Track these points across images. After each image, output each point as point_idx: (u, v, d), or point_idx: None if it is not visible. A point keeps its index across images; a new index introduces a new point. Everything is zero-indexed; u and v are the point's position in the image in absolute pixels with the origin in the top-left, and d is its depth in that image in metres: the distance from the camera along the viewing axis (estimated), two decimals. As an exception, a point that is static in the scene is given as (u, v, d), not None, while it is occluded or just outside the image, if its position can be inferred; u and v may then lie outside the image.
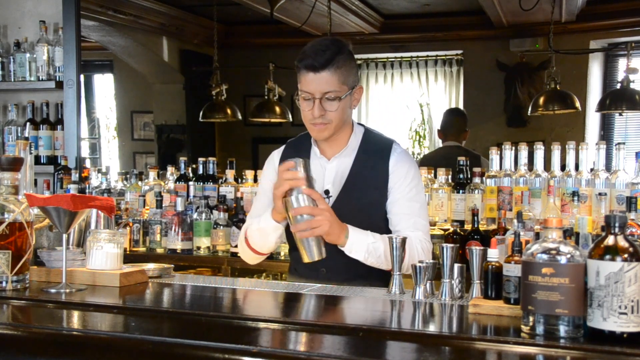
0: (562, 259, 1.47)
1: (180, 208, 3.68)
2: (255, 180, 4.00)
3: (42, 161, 4.16)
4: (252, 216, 2.49)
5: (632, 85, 5.35)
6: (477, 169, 3.51)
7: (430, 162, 4.26)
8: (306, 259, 2.21)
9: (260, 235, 2.38)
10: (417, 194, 2.41)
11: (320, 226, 2.16)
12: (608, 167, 3.38)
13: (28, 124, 4.16)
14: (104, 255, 2.11)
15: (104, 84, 8.65)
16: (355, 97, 2.37)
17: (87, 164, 4.80)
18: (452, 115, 5.50)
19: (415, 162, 2.53)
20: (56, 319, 1.81)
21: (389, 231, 2.37)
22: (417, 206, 2.39)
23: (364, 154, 2.41)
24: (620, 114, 6.30)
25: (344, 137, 2.42)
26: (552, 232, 1.51)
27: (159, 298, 2.03)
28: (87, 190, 3.88)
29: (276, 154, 2.54)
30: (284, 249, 3.45)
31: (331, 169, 2.42)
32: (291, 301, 2.01)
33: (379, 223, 2.36)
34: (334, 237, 2.21)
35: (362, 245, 2.24)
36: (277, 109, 6.38)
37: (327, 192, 2.38)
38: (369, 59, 8.21)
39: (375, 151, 2.42)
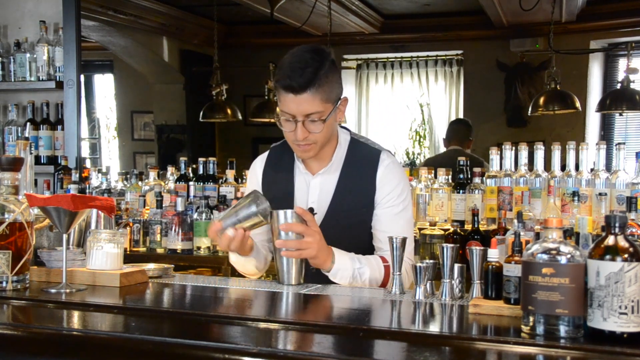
0: (562, 259, 1.47)
1: (180, 208, 3.68)
2: (256, 180, 4.00)
3: (42, 161, 4.16)
4: None
5: (632, 85, 5.35)
6: (477, 169, 3.51)
7: (433, 165, 4.26)
8: (282, 281, 2.13)
9: (240, 265, 2.34)
10: (404, 210, 2.29)
11: (309, 249, 2.06)
12: (608, 167, 3.39)
13: (28, 124, 4.16)
14: (104, 255, 2.11)
15: (104, 84, 8.65)
16: (340, 110, 2.23)
17: (87, 164, 4.80)
18: (456, 124, 5.72)
19: (404, 172, 2.40)
20: (56, 319, 1.81)
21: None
22: (401, 223, 2.28)
23: (350, 168, 2.29)
24: (621, 114, 6.30)
25: (329, 151, 2.30)
26: (552, 232, 1.51)
27: (159, 298, 2.03)
28: (87, 191, 3.88)
29: (259, 162, 2.43)
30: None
31: (315, 185, 2.32)
32: (291, 301, 2.01)
33: (365, 238, 2.28)
34: (320, 261, 2.11)
35: (347, 272, 2.14)
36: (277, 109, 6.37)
37: (311, 209, 2.23)
38: (369, 59, 8.21)
39: (362, 164, 2.30)
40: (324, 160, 2.31)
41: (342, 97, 2.23)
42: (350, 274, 2.16)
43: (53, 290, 1.96)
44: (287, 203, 2.31)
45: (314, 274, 2.21)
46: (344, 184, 2.29)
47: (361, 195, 2.28)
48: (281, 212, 2.08)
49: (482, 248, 1.84)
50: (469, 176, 3.55)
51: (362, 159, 2.31)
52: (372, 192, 2.27)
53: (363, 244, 2.29)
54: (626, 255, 1.42)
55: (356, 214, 2.28)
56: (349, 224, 2.28)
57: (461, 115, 7.55)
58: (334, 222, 2.26)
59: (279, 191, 2.34)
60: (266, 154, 2.45)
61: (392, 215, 2.28)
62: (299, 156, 2.31)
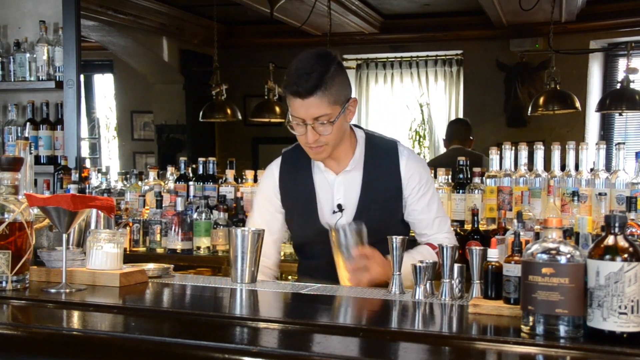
0: (562, 259, 1.47)
1: (180, 208, 3.68)
2: (255, 180, 4.00)
3: (42, 161, 4.16)
4: None
5: (632, 85, 5.34)
6: (477, 169, 3.50)
7: (436, 166, 4.25)
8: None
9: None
10: (433, 195, 2.42)
11: (371, 279, 2.16)
12: (608, 167, 3.39)
13: (28, 124, 4.16)
14: (104, 255, 2.11)
15: (104, 84, 8.64)
16: (350, 110, 2.28)
17: (87, 164, 4.80)
18: (456, 124, 5.73)
19: (420, 157, 2.54)
20: (56, 319, 1.81)
21: (406, 230, 2.43)
22: (434, 207, 2.41)
23: (372, 163, 2.37)
24: (620, 114, 6.30)
25: (347, 150, 2.36)
26: (552, 232, 1.51)
27: (159, 298, 2.03)
28: (87, 190, 3.88)
29: (274, 167, 2.46)
30: (286, 249, 3.45)
31: (339, 183, 2.37)
32: (291, 301, 2.01)
33: (397, 229, 2.31)
34: (387, 277, 2.13)
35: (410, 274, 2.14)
36: (277, 109, 6.38)
37: (339, 206, 2.34)
38: (369, 59, 8.21)
39: (382, 157, 2.37)
40: (343, 159, 2.37)
41: (350, 98, 2.28)
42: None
43: (53, 290, 1.96)
44: (310, 203, 2.38)
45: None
46: (369, 179, 2.36)
47: (387, 187, 2.36)
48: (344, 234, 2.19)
49: (481, 248, 1.85)
50: (469, 176, 3.55)
51: (382, 152, 2.39)
52: (398, 183, 2.36)
53: (395, 232, 2.30)
54: (626, 255, 1.42)
55: (385, 205, 2.36)
56: (379, 217, 2.34)
57: (461, 115, 7.55)
58: (365, 217, 2.31)
59: (300, 192, 2.40)
60: (279, 159, 2.48)
61: (426, 204, 2.39)
62: (313, 158, 2.35)
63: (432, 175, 3.73)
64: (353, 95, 2.32)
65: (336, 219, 2.36)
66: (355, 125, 2.45)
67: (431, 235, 2.40)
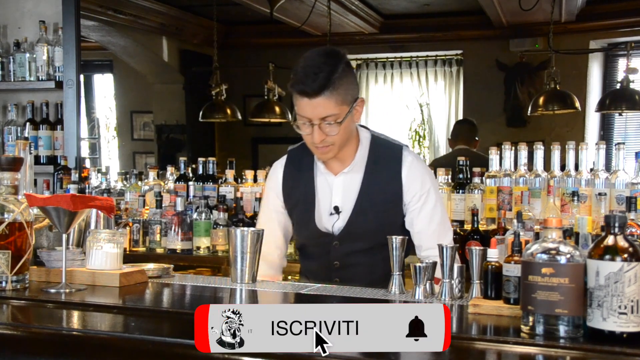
0: (562, 259, 1.47)
1: (180, 208, 3.68)
2: (255, 180, 4.00)
3: (42, 161, 4.16)
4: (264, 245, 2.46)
5: (631, 85, 5.34)
6: (477, 169, 3.50)
7: (440, 165, 4.23)
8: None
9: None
10: (435, 206, 2.33)
11: None
12: (608, 167, 3.38)
13: (28, 124, 4.16)
14: (104, 255, 2.11)
15: (104, 84, 8.64)
16: (357, 110, 2.25)
17: (87, 164, 4.79)
18: (462, 124, 5.67)
19: (426, 165, 2.42)
20: (56, 319, 1.81)
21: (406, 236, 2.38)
22: (436, 220, 2.32)
23: (374, 166, 2.32)
24: (620, 114, 6.30)
25: (350, 151, 2.32)
26: (552, 232, 1.51)
27: (159, 298, 2.03)
28: (86, 190, 3.87)
29: (279, 167, 2.45)
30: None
31: (338, 184, 2.34)
32: (291, 301, 2.01)
33: (394, 232, 2.25)
34: None
35: None
36: (277, 109, 6.38)
37: (336, 208, 2.31)
38: (369, 59, 8.21)
39: (385, 161, 2.33)
40: (345, 160, 2.33)
41: (358, 98, 2.25)
42: None
43: (53, 290, 1.96)
44: (309, 204, 2.36)
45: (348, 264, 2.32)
46: (369, 182, 2.31)
47: (387, 191, 2.31)
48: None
49: (481, 248, 1.84)
50: (469, 176, 3.55)
51: (386, 156, 2.34)
52: (398, 188, 2.30)
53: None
54: (626, 255, 1.42)
55: (383, 209, 2.31)
56: (376, 221, 2.30)
57: (461, 115, 7.55)
58: (361, 219, 2.29)
59: (300, 193, 2.38)
60: (285, 157, 2.47)
61: (427, 214, 2.32)
62: (319, 158, 2.33)
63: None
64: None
65: (333, 221, 2.34)
66: (362, 126, 2.42)
67: (429, 250, 2.26)
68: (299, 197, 2.40)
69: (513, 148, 3.45)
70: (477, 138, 5.30)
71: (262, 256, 2.14)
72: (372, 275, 2.31)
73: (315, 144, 2.21)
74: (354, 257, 2.35)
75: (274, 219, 2.46)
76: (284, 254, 2.53)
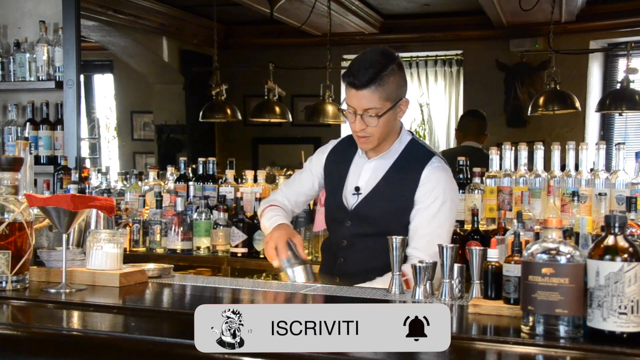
0: (562, 259, 1.47)
1: (180, 208, 3.68)
2: (255, 180, 4.01)
3: (42, 161, 4.16)
4: (286, 185, 2.73)
5: (632, 85, 5.34)
6: (477, 169, 3.50)
7: (448, 158, 4.20)
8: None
9: (266, 228, 2.56)
10: (441, 211, 2.37)
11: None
12: (608, 167, 3.38)
13: (28, 124, 4.16)
14: (104, 255, 2.11)
15: (104, 84, 8.63)
16: (400, 109, 2.40)
17: (87, 164, 4.80)
18: (472, 116, 5.36)
19: (450, 178, 2.47)
20: (56, 319, 1.81)
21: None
22: (434, 225, 2.37)
23: (403, 161, 2.45)
24: (620, 114, 6.29)
25: (388, 145, 2.46)
26: (552, 232, 1.51)
27: (159, 298, 2.03)
28: (87, 191, 3.88)
29: (332, 143, 2.65)
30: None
31: (368, 168, 2.49)
32: (291, 301, 2.01)
33: (399, 230, 2.31)
34: None
35: None
36: (277, 109, 6.37)
37: (357, 188, 2.45)
38: (369, 59, 8.19)
39: (414, 160, 2.44)
40: (382, 151, 2.48)
41: (403, 98, 2.39)
42: None
43: (53, 290, 1.96)
44: (341, 178, 2.54)
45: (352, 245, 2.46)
46: (393, 172, 2.44)
47: (404, 185, 2.41)
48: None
49: (481, 248, 1.85)
50: (469, 176, 3.55)
51: (416, 157, 2.47)
52: (414, 185, 2.40)
53: (396, 233, 2.30)
54: (626, 255, 1.42)
55: (396, 199, 2.41)
56: (386, 207, 2.41)
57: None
58: (373, 204, 2.42)
59: (336, 173, 2.56)
60: (337, 140, 2.67)
61: (428, 215, 2.38)
62: (360, 147, 2.48)
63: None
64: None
65: (354, 200, 2.47)
66: (409, 131, 2.55)
67: (412, 249, 2.34)
68: (335, 170, 2.57)
69: (513, 148, 3.45)
70: (486, 133, 5.15)
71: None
72: (373, 262, 2.35)
73: (356, 132, 2.38)
74: (359, 241, 2.45)
75: (306, 176, 2.67)
76: (290, 206, 2.69)
